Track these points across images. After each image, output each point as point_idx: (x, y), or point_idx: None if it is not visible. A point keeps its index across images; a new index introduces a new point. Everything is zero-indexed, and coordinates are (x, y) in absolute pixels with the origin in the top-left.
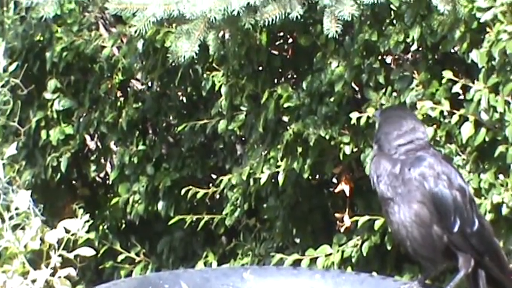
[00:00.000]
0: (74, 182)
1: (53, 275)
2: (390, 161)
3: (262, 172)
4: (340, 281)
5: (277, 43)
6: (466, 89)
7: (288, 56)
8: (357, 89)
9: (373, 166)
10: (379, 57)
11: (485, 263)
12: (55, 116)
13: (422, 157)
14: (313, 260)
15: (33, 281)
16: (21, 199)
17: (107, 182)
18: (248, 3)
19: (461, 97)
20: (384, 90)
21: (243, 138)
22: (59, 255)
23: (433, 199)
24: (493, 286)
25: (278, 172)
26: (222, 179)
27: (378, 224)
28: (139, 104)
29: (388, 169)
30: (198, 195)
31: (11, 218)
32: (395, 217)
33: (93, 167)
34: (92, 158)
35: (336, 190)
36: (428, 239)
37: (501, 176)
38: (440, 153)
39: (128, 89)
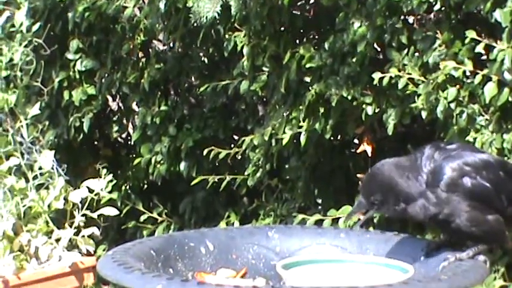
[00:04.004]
0: (96, 142)
1: (76, 234)
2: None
3: (284, 133)
4: (364, 240)
5: (299, 3)
6: (489, 48)
7: (310, 16)
8: (379, 49)
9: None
10: (402, 17)
11: None
12: (77, 76)
13: (438, 168)
14: (335, 221)
15: (57, 240)
16: (45, 159)
17: (129, 142)
18: None
19: (484, 57)
20: (406, 51)
21: (265, 99)
22: (83, 215)
23: (474, 195)
24: None
25: (300, 133)
26: (244, 140)
27: None
28: (161, 64)
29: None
30: (220, 156)
31: (34, 177)
32: (453, 228)
33: (115, 128)
34: (114, 118)
35: (358, 151)
36: (494, 227)
37: None
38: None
39: (150, 49)
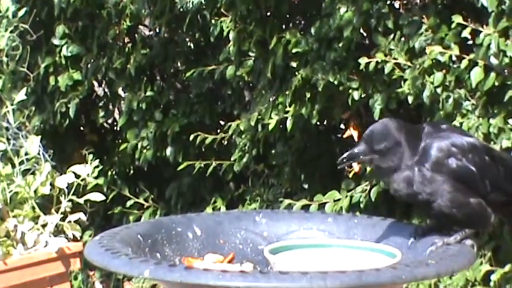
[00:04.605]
0: (82, 128)
1: (63, 219)
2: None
3: (270, 118)
4: (352, 225)
5: None
6: (475, 33)
7: (296, 1)
8: (365, 34)
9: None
10: (388, 2)
11: None
12: (63, 61)
13: (427, 147)
14: (322, 206)
15: (44, 226)
16: (31, 144)
17: (115, 128)
18: None
19: (471, 42)
20: (392, 36)
21: (251, 84)
22: (69, 200)
23: (459, 176)
24: None
25: (286, 118)
26: (230, 125)
27: None
28: (147, 50)
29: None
30: (207, 141)
31: (21, 163)
32: (434, 209)
33: (101, 113)
34: (100, 104)
35: (344, 135)
36: (475, 210)
37: (510, 121)
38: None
39: (136, 35)
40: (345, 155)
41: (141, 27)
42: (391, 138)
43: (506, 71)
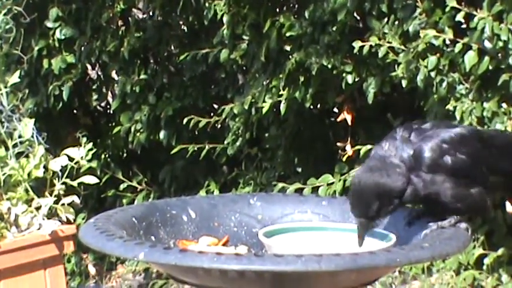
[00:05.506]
0: (75, 111)
1: (56, 202)
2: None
3: (264, 101)
4: (346, 208)
5: None
6: (469, 17)
7: None
8: (359, 18)
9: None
10: None
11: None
12: (57, 44)
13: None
14: (315, 189)
15: (37, 208)
16: (24, 127)
17: (109, 111)
18: None
19: (465, 25)
20: (386, 19)
21: (245, 68)
22: (63, 183)
23: (456, 172)
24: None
25: (280, 101)
26: (224, 108)
27: None
28: (141, 33)
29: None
30: (200, 125)
31: (14, 146)
32: (440, 204)
33: (94, 96)
34: (94, 87)
35: (338, 119)
36: (477, 200)
37: (504, 105)
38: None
39: (130, 18)
40: (359, 237)
41: (134, 10)
42: (374, 195)
43: (500, 54)
